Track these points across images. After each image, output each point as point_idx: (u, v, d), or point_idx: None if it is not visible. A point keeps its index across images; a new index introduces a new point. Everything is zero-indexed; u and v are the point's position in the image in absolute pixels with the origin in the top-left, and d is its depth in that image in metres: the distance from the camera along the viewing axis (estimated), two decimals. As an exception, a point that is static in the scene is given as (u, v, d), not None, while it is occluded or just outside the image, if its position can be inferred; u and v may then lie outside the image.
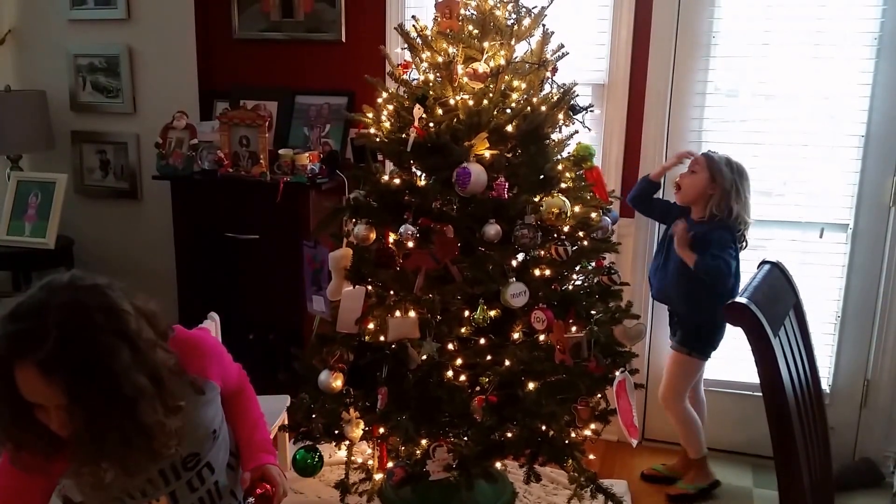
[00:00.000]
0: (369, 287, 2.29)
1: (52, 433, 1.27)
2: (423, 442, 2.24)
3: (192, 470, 1.47)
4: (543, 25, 2.33)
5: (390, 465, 2.41)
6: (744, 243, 2.78)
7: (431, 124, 2.25)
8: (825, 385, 3.08)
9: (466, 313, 2.20)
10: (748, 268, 2.59)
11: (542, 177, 2.25)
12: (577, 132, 2.39)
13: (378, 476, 2.47)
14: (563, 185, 2.30)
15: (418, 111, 2.21)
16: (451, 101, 2.23)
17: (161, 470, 1.44)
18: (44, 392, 1.20)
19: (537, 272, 2.21)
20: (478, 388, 2.22)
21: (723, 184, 2.69)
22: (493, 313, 2.17)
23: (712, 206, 2.71)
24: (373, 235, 2.27)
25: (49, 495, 1.41)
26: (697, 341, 2.82)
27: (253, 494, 1.50)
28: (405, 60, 2.42)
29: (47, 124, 3.74)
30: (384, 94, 2.38)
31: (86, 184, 3.89)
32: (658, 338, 3.23)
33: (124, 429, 1.25)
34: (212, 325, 2.70)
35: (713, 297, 2.63)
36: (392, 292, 2.27)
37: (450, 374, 2.20)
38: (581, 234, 2.31)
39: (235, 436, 1.63)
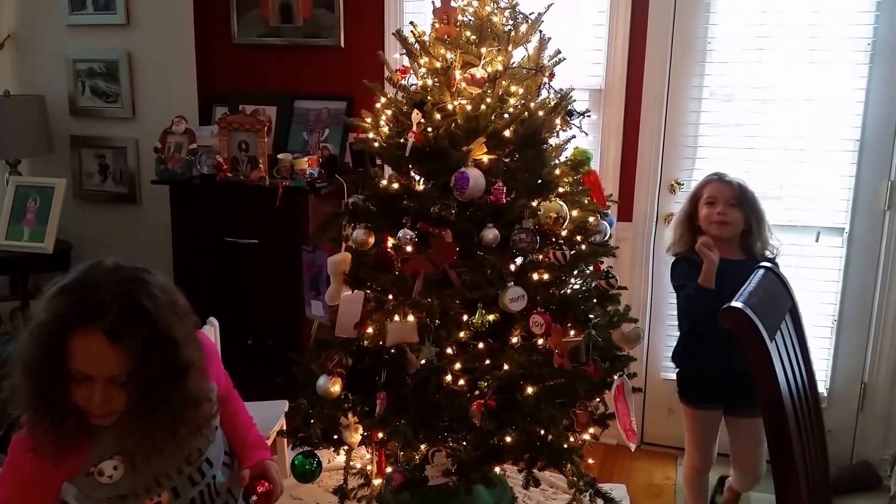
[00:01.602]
0: (368, 291, 2.29)
1: (79, 417, 1.29)
2: (422, 447, 2.24)
3: (193, 465, 1.49)
4: (540, 31, 2.34)
5: (389, 470, 2.41)
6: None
7: (430, 129, 2.25)
8: (822, 388, 3.09)
9: (465, 317, 2.20)
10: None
11: (539, 181, 2.26)
12: (574, 137, 2.39)
13: (377, 481, 2.47)
14: (560, 190, 2.31)
15: (416, 116, 2.22)
16: (449, 107, 2.24)
17: (165, 466, 1.45)
18: (105, 360, 1.24)
19: (535, 276, 2.21)
20: (476, 393, 2.23)
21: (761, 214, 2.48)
22: (491, 317, 2.17)
23: (761, 239, 2.46)
24: (371, 240, 2.28)
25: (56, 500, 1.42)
26: (677, 384, 2.58)
27: (255, 492, 1.51)
28: (403, 66, 2.43)
29: (46, 129, 3.74)
30: (383, 100, 2.38)
31: (85, 188, 3.89)
32: (656, 341, 3.24)
33: (175, 399, 1.30)
34: (211, 329, 2.71)
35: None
36: (391, 297, 2.28)
37: (448, 378, 2.20)
38: (579, 238, 2.31)
39: (230, 436, 1.66)
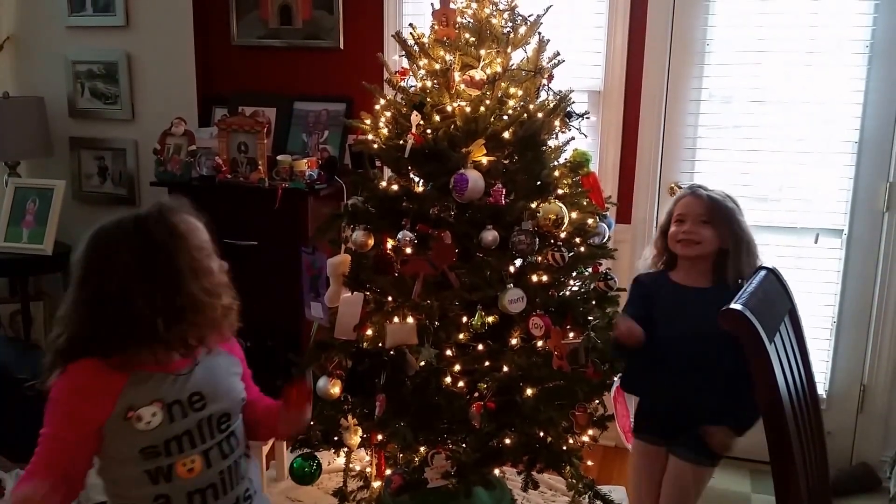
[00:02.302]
0: (367, 293, 2.29)
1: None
2: (422, 449, 2.24)
3: (223, 432, 1.54)
4: (539, 33, 2.34)
5: (388, 472, 2.41)
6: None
7: (429, 131, 2.26)
8: (822, 390, 3.09)
9: (464, 319, 2.20)
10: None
11: (538, 183, 2.26)
12: (573, 139, 2.39)
13: (376, 483, 2.47)
14: (559, 192, 2.31)
15: (416, 118, 2.22)
16: (449, 108, 2.25)
17: (199, 423, 1.50)
18: None
19: (535, 278, 2.21)
20: (476, 395, 2.23)
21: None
22: (490, 319, 2.17)
23: (733, 264, 2.14)
24: (371, 241, 2.28)
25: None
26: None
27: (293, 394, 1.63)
28: (403, 67, 2.43)
29: (45, 131, 3.74)
30: (382, 101, 2.39)
31: (84, 190, 3.89)
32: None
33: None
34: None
35: None
36: (390, 298, 2.28)
37: (448, 380, 2.21)
38: (578, 240, 2.32)
39: (251, 408, 1.69)
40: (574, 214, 2.28)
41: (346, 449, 2.37)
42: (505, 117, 2.27)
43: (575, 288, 2.41)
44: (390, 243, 2.25)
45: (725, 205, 2.16)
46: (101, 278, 1.44)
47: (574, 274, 2.37)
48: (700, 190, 2.20)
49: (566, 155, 2.41)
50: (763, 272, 1.89)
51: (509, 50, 2.31)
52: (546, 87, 2.37)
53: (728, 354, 1.84)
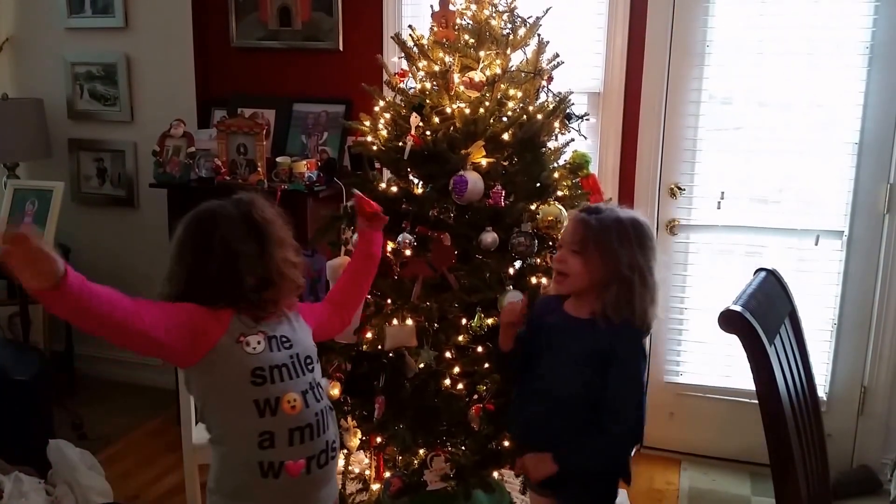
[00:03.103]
0: (367, 296, 2.28)
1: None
2: (421, 451, 2.24)
3: (311, 372, 1.68)
4: (539, 35, 2.34)
5: (387, 475, 2.40)
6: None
7: (428, 133, 2.25)
8: (822, 392, 3.08)
9: (464, 321, 2.20)
10: (744, 275, 2.59)
11: (538, 185, 2.26)
12: (572, 140, 2.39)
13: (375, 486, 2.47)
14: (559, 193, 2.31)
15: (415, 119, 2.22)
16: (448, 110, 2.24)
17: (291, 358, 1.64)
18: None
19: (534, 280, 2.21)
20: (475, 397, 2.22)
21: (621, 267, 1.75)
22: (490, 321, 2.16)
23: (609, 302, 1.76)
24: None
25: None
26: None
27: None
28: (402, 69, 2.42)
29: (44, 132, 3.73)
30: (381, 103, 2.39)
31: (83, 192, 3.89)
32: (655, 345, 3.24)
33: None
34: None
35: None
36: (389, 301, 2.27)
37: (447, 382, 2.20)
38: (577, 241, 2.31)
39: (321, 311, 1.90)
40: (574, 216, 2.27)
41: (345, 451, 2.36)
42: (504, 119, 2.26)
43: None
44: (390, 245, 2.25)
45: (608, 235, 1.75)
46: (208, 242, 1.59)
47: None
48: (586, 213, 1.80)
49: (566, 157, 2.41)
50: (763, 274, 1.88)
51: (509, 51, 2.31)
52: (545, 88, 2.36)
53: (583, 401, 1.76)
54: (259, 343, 1.60)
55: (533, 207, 2.20)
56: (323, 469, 1.66)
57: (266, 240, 1.64)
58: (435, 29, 2.31)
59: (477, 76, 2.20)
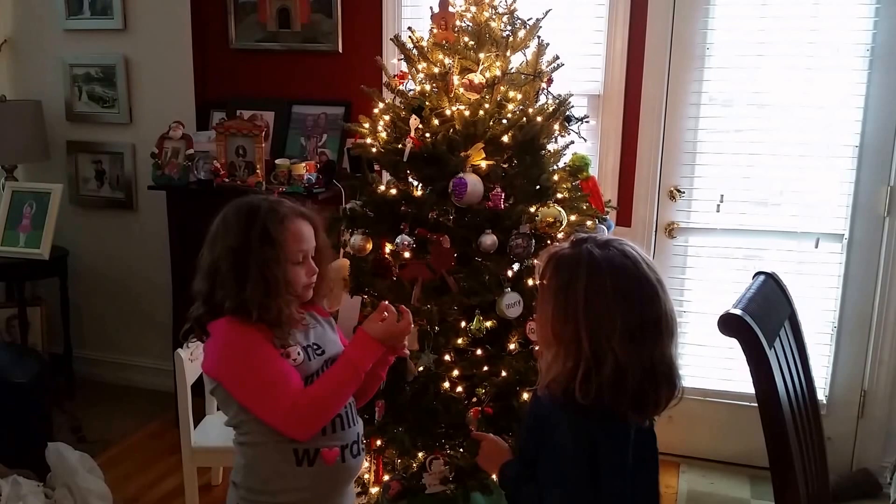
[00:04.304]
0: (366, 297, 2.28)
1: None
2: (420, 454, 2.23)
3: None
4: (538, 37, 2.34)
5: (386, 478, 2.39)
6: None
7: (428, 135, 2.25)
8: (822, 396, 3.08)
9: (463, 324, 2.19)
10: (743, 278, 2.59)
11: (538, 187, 2.25)
12: (572, 142, 2.39)
13: (374, 490, 2.46)
14: (559, 196, 2.30)
15: (414, 122, 2.21)
16: (448, 112, 2.24)
17: (323, 364, 1.68)
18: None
19: (531, 282, 2.20)
20: (474, 400, 2.22)
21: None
22: (489, 324, 2.16)
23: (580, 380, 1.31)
24: (369, 246, 2.27)
25: None
26: None
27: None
28: (401, 71, 2.42)
29: (43, 134, 3.73)
30: (381, 105, 2.38)
31: (81, 194, 3.88)
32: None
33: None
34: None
35: None
36: (387, 303, 2.26)
37: (446, 385, 2.19)
38: (577, 243, 2.30)
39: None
40: (573, 218, 2.27)
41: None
42: (504, 121, 2.26)
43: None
44: (389, 248, 2.24)
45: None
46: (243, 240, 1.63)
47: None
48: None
49: (565, 159, 2.40)
50: (762, 277, 1.88)
51: (508, 53, 2.30)
52: (545, 90, 2.36)
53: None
54: (298, 354, 1.63)
55: (532, 210, 2.19)
56: (355, 459, 1.70)
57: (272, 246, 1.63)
58: (434, 31, 2.30)
59: (476, 78, 2.19)
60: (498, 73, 2.24)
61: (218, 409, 1.78)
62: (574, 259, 1.34)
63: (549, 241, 2.19)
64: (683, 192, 3.13)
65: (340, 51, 3.40)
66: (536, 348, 1.62)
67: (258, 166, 3.17)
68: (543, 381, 1.37)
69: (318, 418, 1.61)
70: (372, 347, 1.67)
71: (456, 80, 2.22)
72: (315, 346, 1.69)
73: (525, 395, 2.18)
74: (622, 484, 1.33)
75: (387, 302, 1.77)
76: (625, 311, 1.29)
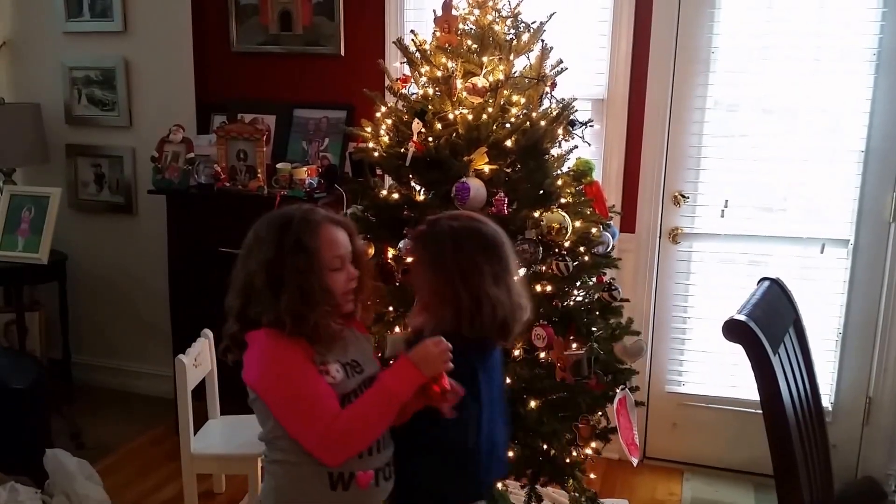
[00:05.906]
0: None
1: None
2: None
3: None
4: (542, 40, 2.33)
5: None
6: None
7: (430, 139, 2.24)
8: (827, 402, 3.05)
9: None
10: (748, 284, 2.56)
11: (541, 192, 2.24)
12: (576, 147, 2.38)
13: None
14: (562, 201, 2.29)
15: (417, 126, 2.20)
16: (450, 116, 2.23)
17: (361, 383, 1.63)
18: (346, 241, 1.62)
19: (538, 288, 2.18)
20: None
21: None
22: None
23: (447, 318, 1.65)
24: (371, 251, 2.26)
25: None
26: None
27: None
28: (404, 75, 2.41)
29: (42, 137, 3.71)
30: (383, 109, 2.37)
31: (80, 198, 3.86)
32: (658, 354, 3.21)
33: None
34: (205, 342, 2.67)
35: None
36: (391, 308, 2.25)
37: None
38: (582, 249, 2.29)
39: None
40: (577, 223, 2.25)
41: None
42: (507, 125, 2.25)
43: (578, 298, 2.38)
44: (391, 253, 2.23)
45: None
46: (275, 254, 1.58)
47: (578, 284, 2.34)
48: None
49: (569, 164, 2.39)
50: (767, 282, 1.87)
51: (512, 57, 2.29)
52: (549, 94, 2.35)
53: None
54: (338, 371, 1.59)
55: (536, 215, 2.18)
56: (388, 482, 1.65)
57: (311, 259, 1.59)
58: (437, 34, 2.30)
59: (480, 82, 2.18)
60: (501, 76, 2.23)
61: (253, 416, 1.70)
62: (437, 233, 1.68)
63: (556, 249, 2.17)
64: (688, 198, 3.11)
65: (342, 54, 3.38)
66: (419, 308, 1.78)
67: (259, 170, 3.15)
68: (432, 333, 1.61)
69: (350, 446, 1.55)
70: (410, 375, 1.55)
71: (459, 83, 2.21)
72: (354, 364, 1.63)
73: (532, 403, 2.16)
74: (490, 390, 1.68)
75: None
76: (487, 261, 1.64)
